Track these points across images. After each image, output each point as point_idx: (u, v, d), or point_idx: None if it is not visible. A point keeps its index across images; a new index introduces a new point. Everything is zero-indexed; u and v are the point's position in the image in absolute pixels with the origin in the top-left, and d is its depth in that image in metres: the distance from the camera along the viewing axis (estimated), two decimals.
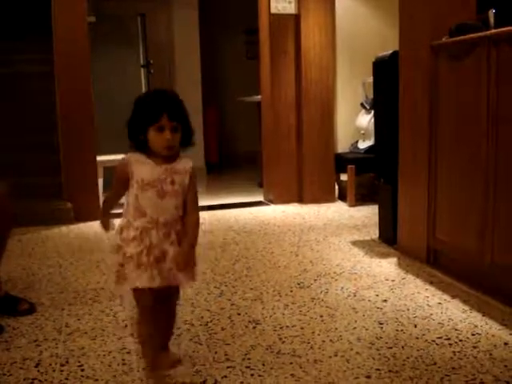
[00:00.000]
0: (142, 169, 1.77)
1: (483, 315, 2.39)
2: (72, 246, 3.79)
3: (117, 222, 1.85)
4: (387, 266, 3.12)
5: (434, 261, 3.05)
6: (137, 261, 1.73)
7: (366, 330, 2.28)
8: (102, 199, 4.76)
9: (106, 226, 1.88)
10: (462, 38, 2.68)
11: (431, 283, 2.81)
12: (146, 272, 1.73)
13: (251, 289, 2.80)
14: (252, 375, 1.93)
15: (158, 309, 1.80)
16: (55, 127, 4.56)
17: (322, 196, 5.02)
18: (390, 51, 3.43)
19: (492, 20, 2.60)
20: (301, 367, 1.97)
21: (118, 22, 5.90)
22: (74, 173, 4.52)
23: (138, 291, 1.77)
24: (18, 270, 3.22)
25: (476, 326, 2.28)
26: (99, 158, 4.72)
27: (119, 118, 6.02)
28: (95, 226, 4.40)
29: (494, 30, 2.49)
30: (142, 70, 5.89)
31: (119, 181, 1.84)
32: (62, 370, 2.00)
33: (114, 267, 1.80)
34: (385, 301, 2.60)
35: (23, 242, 3.91)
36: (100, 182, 4.81)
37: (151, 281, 1.73)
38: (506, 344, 2.11)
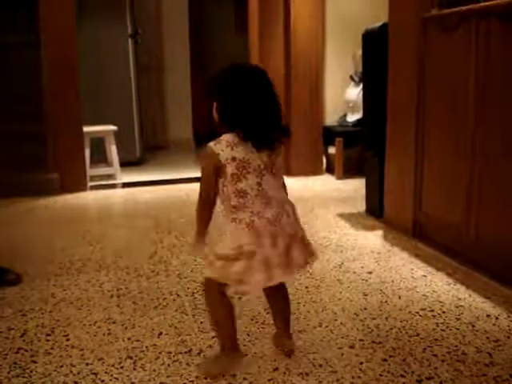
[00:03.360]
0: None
1: (467, 288, 2.41)
2: (58, 216, 3.78)
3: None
4: (373, 239, 3.14)
5: (419, 234, 3.07)
6: None
7: (351, 301, 2.30)
8: (88, 171, 4.74)
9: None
10: (451, 10, 2.66)
11: (416, 256, 2.83)
12: None
13: None
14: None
15: None
16: (41, 97, 4.51)
17: (310, 168, 5.02)
18: (380, 23, 3.40)
19: None
20: None
21: None
22: (61, 143, 4.48)
23: None
24: (3, 241, 3.21)
25: (459, 299, 2.30)
26: (86, 129, 4.68)
27: (106, 88, 5.95)
28: (81, 196, 4.40)
29: (483, 3, 2.47)
30: (130, 39, 5.80)
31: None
32: (47, 340, 2.01)
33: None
34: (370, 273, 2.62)
35: (9, 212, 3.89)
36: (87, 152, 4.77)
37: None
38: (488, 316, 2.13)
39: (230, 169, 1.64)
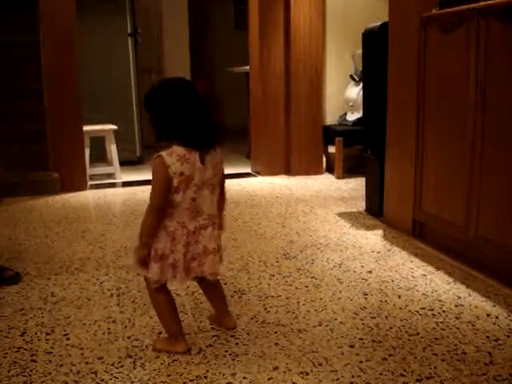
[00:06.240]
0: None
1: (467, 287, 2.41)
2: (58, 216, 3.78)
3: None
4: (373, 238, 3.14)
5: (419, 233, 3.07)
6: None
7: (351, 300, 2.30)
8: (88, 170, 4.75)
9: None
10: (451, 10, 2.66)
11: (416, 255, 2.83)
12: None
13: (237, 259, 2.81)
14: (237, 344, 1.94)
15: None
16: (42, 96, 4.51)
17: (310, 168, 5.02)
18: (380, 22, 3.40)
19: None
20: (285, 336, 1.99)
21: None
22: (61, 142, 4.48)
23: None
24: (3, 240, 3.21)
25: (459, 298, 2.30)
26: (86, 128, 4.68)
27: (106, 87, 5.94)
28: (81, 195, 4.39)
29: (483, 3, 2.47)
30: (129, 38, 5.79)
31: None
32: (47, 339, 2.01)
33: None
34: (370, 272, 2.62)
35: (9, 212, 3.89)
36: (86, 152, 4.77)
37: None
38: (488, 315, 2.13)
39: (174, 181, 1.73)
